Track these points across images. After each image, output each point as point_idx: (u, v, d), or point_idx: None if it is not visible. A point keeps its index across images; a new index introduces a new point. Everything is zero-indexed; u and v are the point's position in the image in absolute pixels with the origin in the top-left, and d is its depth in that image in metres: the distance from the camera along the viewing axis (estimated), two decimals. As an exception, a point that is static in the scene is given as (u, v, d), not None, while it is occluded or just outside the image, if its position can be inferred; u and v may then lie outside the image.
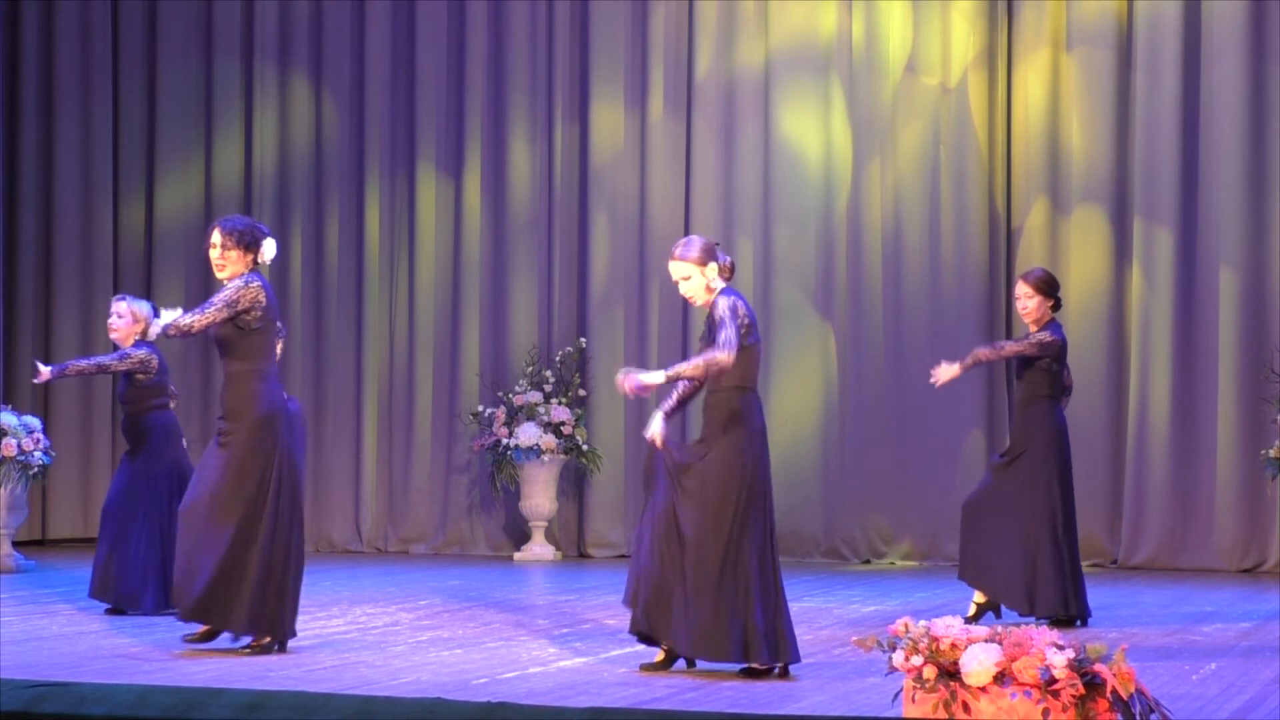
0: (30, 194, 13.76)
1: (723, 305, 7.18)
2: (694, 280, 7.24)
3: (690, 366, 7.15)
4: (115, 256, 13.85)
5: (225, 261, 7.86)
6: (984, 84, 12.45)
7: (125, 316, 9.40)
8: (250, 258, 7.89)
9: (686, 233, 12.82)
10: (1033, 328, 8.90)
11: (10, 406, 11.79)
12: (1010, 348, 9.04)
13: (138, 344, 9.36)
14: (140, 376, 9.35)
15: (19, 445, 11.30)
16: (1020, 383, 9.01)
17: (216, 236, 7.90)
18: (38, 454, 11.40)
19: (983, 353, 9.04)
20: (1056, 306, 8.98)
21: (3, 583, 10.78)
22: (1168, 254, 12.04)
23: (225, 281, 7.87)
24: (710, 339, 7.17)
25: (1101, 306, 12.22)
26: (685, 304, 11.79)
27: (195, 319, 7.74)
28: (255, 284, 7.79)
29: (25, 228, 13.74)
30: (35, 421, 11.56)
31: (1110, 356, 12.20)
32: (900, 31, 12.62)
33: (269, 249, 7.92)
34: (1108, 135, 12.22)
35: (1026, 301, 8.89)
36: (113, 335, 9.46)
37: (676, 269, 7.30)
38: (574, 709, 3.84)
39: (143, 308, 9.45)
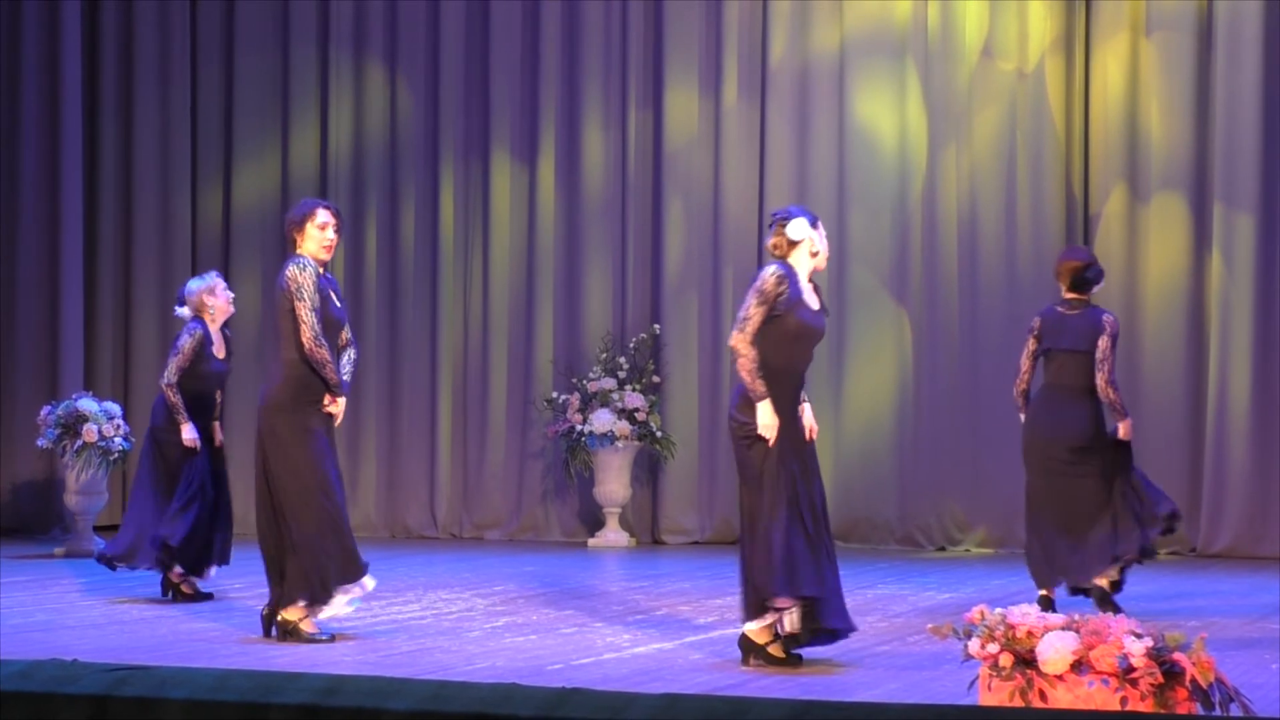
0: (110, 181, 13.89)
1: None
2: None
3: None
4: (193, 243, 13.96)
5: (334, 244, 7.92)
6: (1061, 69, 12.35)
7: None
8: None
9: (761, 219, 12.79)
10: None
11: (91, 392, 11.92)
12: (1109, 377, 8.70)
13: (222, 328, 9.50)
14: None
15: (99, 431, 11.42)
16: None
17: (332, 217, 7.88)
18: (118, 440, 11.52)
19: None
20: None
21: (84, 567, 10.90)
22: (1248, 240, 11.91)
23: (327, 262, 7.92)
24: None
25: (1181, 294, 12.10)
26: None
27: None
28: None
29: (105, 215, 13.88)
30: (115, 408, 11.68)
31: (1189, 344, 12.08)
32: (976, 16, 12.53)
33: None
34: (1187, 121, 12.09)
35: None
36: (223, 313, 9.49)
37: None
38: (649, 695, 3.83)
39: None
